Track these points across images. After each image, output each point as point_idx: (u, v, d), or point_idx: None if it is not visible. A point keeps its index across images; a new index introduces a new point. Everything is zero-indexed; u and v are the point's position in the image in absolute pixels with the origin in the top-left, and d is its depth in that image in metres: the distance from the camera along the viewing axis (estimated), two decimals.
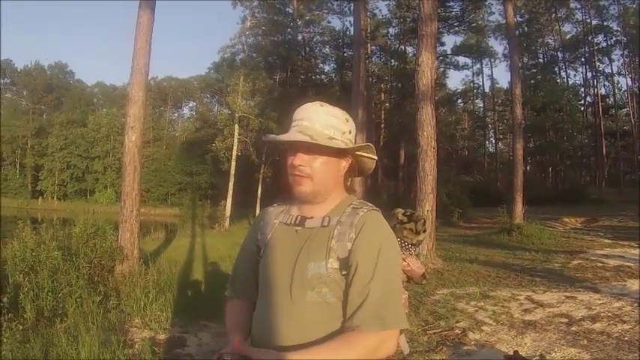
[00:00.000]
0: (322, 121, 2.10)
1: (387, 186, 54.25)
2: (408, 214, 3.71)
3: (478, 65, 70.68)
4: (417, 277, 3.63)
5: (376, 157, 2.23)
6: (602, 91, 62.23)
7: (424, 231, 3.69)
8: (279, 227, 2.25)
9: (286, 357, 1.87)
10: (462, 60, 58.69)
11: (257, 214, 2.45)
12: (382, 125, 56.69)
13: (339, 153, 2.13)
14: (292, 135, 2.07)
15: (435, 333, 7.83)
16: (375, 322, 1.94)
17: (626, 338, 7.24)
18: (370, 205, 2.20)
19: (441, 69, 54.94)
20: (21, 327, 7.41)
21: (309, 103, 2.17)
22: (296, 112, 2.17)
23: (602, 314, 8.56)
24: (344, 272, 2.03)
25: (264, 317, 2.13)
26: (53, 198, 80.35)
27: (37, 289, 8.56)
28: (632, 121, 57.65)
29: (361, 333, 1.93)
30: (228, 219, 36.41)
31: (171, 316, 8.85)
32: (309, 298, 2.02)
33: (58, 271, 9.16)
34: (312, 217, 2.17)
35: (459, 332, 7.91)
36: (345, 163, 2.19)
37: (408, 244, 3.61)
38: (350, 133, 2.17)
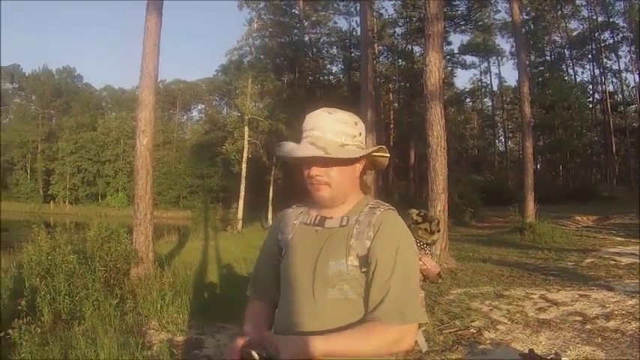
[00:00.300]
0: (332, 129, 2.13)
1: (399, 186, 54.16)
2: (422, 214, 3.76)
3: (485, 64, 70.61)
4: (433, 276, 3.67)
5: (389, 155, 2.30)
6: (610, 87, 61.94)
7: (438, 231, 3.74)
8: (300, 227, 2.31)
9: (310, 342, 1.93)
10: (469, 59, 58.64)
11: (277, 216, 2.49)
12: (391, 125, 56.53)
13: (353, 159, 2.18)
14: (306, 149, 2.11)
15: (450, 332, 7.85)
16: (395, 316, 2.01)
17: None
18: (387, 204, 2.27)
19: (449, 68, 54.77)
20: (39, 330, 7.49)
21: (317, 111, 2.21)
22: (305, 121, 2.21)
23: (615, 312, 8.55)
24: (364, 269, 2.09)
25: (286, 315, 2.19)
26: (65, 202, 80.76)
27: (54, 293, 8.65)
28: None
29: (382, 325, 2.00)
30: (240, 221, 36.40)
31: (187, 318, 8.92)
32: (331, 295, 2.09)
33: (74, 274, 9.24)
34: (331, 218, 2.23)
35: (475, 331, 7.93)
36: (359, 166, 2.25)
37: (423, 244, 3.65)
38: (360, 135, 2.21)
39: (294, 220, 2.35)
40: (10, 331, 7.15)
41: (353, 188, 2.25)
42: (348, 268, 2.09)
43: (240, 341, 1.98)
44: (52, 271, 9.23)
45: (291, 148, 2.20)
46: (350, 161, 2.17)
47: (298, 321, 2.12)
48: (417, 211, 3.72)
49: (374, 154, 2.25)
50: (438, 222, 3.74)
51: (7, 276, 10.46)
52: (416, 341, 2.28)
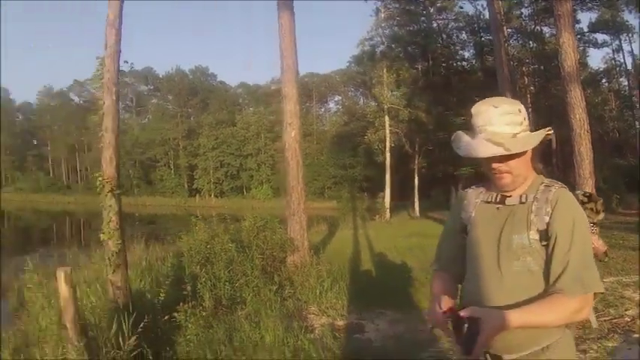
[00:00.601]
0: (503, 122, 2.30)
1: (542, 172, 52.44)
2: (588, 194, 3.85)
3: (617, 42, 67.17)
4: (600, 255, 3.75)
5: (552, 131, 2.46)
6: None
7: (603, 211, 3.83)
8: (481, 206, 2.52)
9: (508, 316, 2.13)
10: (599, 37, 55.90)
11: (457, 196, 2.75)
12: (529, 109, 54.86)
13: None
14: (486, 147, 2.27)
15: (605, 320, 7.75)
16: (576, 286, 2.18)
17: None
18: (559, 182, 2.46)
19: (581, 48, 52.50)
20: (204, 313, 8.00)
21: (483, 106, 2.36)
22: (475, 116, 2.36)
23: None
24: (544, 243, 2.28)
25: (474, 286, 2.41)
26: (210, 195, 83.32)
27: (214, 279, 9.23)
28: None
29: (564, 296, 2.18)
30: (388, 210, 36.36)
31: (346, 304, 9.22)
32: (515, 267, 2.29)
33: (232, 262, 9.80)
34: (510, 196, 2.42)
35: (629, 320, 7.79)
36: (530, 149, 2.41)
37: (591, 223, 3.76)
38: (525, 119, 2.37)
39: (475, 199, 2.57)
40: (175, 314, 7.70)
41: (528, 169, 2.44)
42: (530, 241, 2.28)
43: (448, 303, 2.21)
44: (212, 259, 9.80)
45: (467, 142, 2.37)
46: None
47: (486, 292, 2.33)
48: (583, 192, 3.84)
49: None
50: (602, 202, 3.84)
51: (164, 264, 11.14)
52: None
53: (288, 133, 12.88)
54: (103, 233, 8.00)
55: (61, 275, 6.05)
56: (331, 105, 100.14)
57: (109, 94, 8.33)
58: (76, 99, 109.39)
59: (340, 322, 8.49)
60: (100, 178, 8.10)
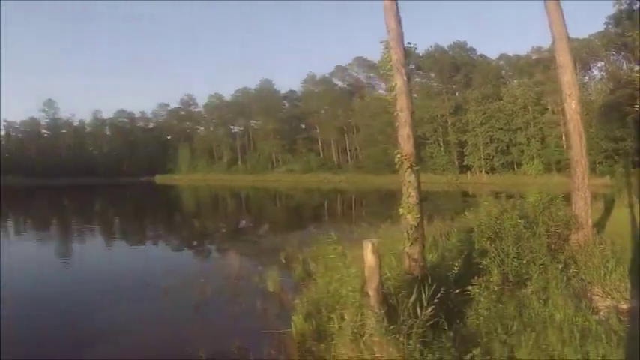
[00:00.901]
0: None
1: None
2: None
3: None
4: None
5: None
6: None
7: None
8: None
9: None
10: None
11: None
12: None
13: None
14: None
15: None
16: None
17: None
18: None
19: None
20: (496, 288, 8.41)
21: None
22: None
23: None
24: None
25: None
26: (481, 172, 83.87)
27: (503, 255, 9.60)
28: None
29: None
30: None
31: (629, 287, 9.00)
32: None
33: (520, 238, 10.10)
34: None
35: None
36: None
37: None
38: None
39: None
40: (469, 287, 8.17)
41: None
42: None
43: None
44: (501, 235, 10.22)
45: None
46: None
47: None
48: None
49: None
50: None
51: (449, 239, 11.68)
52: None
53: (568, 104, 12.72)
54: (403, 208, 8.68)
55: (368, 246, 6.82)
56: (595, 72, 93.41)
57: (399, 74, 9.04)
58: (340, 83, 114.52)
59: (624, 306, 8.43)
60: (399, 156, 8.78)
